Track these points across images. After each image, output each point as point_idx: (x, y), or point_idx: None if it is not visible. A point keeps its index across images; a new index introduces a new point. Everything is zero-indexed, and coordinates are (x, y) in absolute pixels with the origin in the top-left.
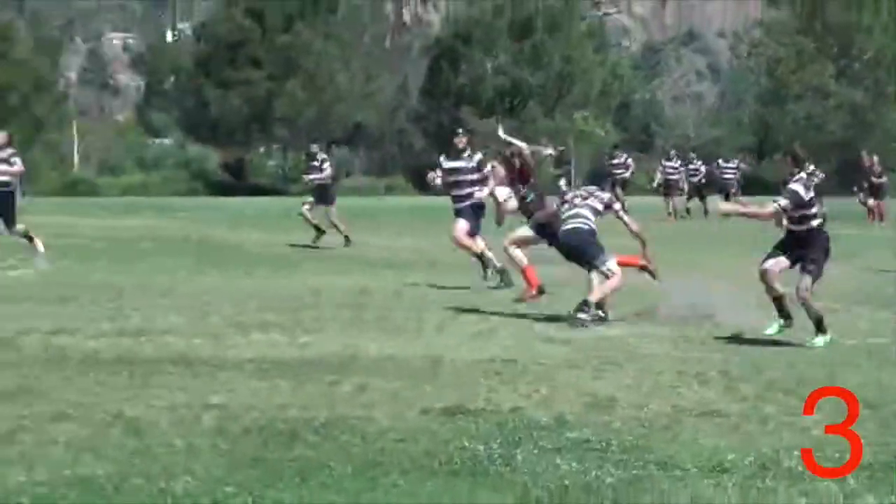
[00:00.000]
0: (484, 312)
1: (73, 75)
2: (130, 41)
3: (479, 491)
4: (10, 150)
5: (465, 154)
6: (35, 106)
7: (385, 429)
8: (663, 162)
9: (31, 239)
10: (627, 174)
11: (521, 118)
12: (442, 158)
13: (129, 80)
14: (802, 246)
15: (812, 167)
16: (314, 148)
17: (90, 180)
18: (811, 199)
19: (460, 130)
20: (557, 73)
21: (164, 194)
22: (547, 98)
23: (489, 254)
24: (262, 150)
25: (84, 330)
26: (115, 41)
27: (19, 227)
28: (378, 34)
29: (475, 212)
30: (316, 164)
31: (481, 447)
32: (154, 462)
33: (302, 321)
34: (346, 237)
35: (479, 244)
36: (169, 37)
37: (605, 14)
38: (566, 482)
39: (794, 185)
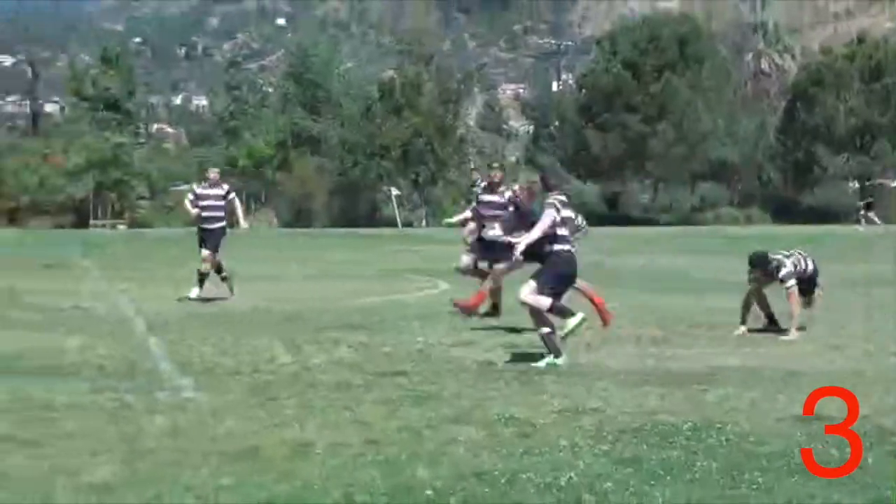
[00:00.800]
0: (833, 329)
1: (471, 122)
2: (521, 91)
3: (833, 491)
4: (225, 187)
5: (500, 189)
6: (439, 149)
7: (746, 432)
8: None
9: (225, 278)
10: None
11: (871, 154)
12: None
13: (520, 125)
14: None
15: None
16: (476, 177)
17: None
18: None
19: (496, 164)
20: None
21: None
22: (895, 136)
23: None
24: (635, 184)
25: (480, 343)
26: (508, 91)
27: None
28: (739, 81)
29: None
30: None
31: (833, 451)
32: (541, 459)
33: (669, 337)
34: None
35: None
36: (554, 87)
37: None
38: None
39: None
